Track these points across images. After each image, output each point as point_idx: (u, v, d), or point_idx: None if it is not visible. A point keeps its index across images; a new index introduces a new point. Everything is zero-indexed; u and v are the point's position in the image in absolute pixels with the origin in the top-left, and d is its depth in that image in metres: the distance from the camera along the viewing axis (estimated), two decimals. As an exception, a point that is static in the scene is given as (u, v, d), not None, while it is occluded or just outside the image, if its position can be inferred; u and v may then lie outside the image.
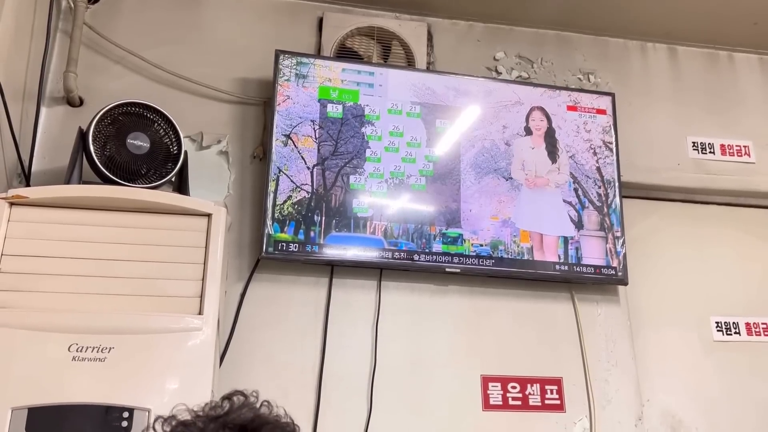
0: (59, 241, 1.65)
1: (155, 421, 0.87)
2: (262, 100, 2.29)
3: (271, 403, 0.94)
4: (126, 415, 1.53)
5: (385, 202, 2.17)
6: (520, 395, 2.14)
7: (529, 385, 2.16)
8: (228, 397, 0.91)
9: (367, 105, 2.24)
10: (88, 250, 1.66)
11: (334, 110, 2.21)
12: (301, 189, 2.11)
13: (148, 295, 1.66)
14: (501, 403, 2.12)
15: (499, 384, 2.14)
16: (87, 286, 1.63)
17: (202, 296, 1.68)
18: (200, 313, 1.66)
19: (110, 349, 1.57)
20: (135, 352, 1.58)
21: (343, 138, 2.19)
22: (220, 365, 1.91)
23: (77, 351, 1.55)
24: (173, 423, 0.85)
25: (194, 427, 0.84)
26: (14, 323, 1.55)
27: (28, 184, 1.95)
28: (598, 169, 2.38)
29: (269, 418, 0.89)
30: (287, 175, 2.11)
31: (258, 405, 0.92)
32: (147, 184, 1.82)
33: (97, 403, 1.52)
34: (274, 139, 2.13)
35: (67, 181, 1.77)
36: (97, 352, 1.56)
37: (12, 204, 1.65)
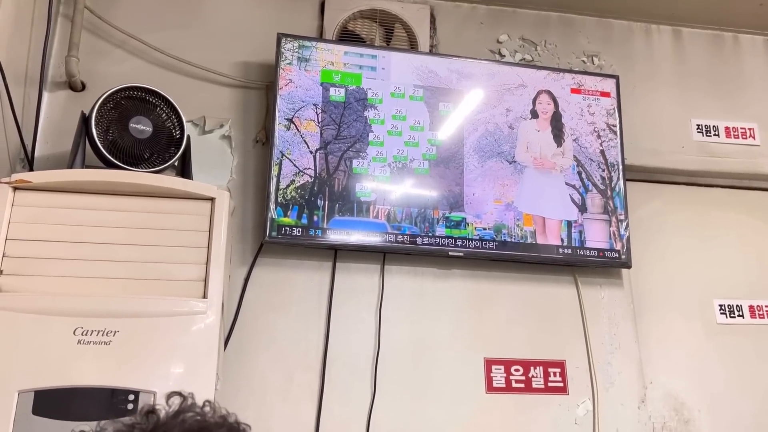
0: (63, 226, 1.66)
1: None
2: (265, 84, 2.28)
3: (213, 404, 0.89)
4: (132, 397, 1.54)
5: (388, 186, 2.16)
6: (523, 378, 2.15)
7: (532, 368, 2.17)
8: (167, 397, 0.87)
9: (370, 88, 2.23)
10: (92, 234, 1.66)
11: (337, 94, 2.20)
12: (304, 173, 2.11)
13: (152, 279, 1.66)
14: (504, 385, 2.13)
15: (502, 367, 2.15)
16: (91, 270, 1.63)
17: (206, 280, 1.69)
18: (204, 296, 1.67)
19: (115, 332, 1.58)
20: (140, 336, 1.59)
21: (346, 122, 2.19)
22: (225, 349, 1.92)
23: (82, 334, 1.56)
24: None
25: None
26: (20, 307, 1.56)
27: (31, 169, 1.95)
28: (602, 152, 2.37)
29: (205, 427, 0.84)
30: (290, 160, 2.11)
31: (196, 408, 0.87)
32: (150, 168, 1.82)
33: (103, 385, 1.53)
34: (276, 123, 2.12)
35: (70, 166, 1.77)
36: (102, 335, 1.57)
37: (15, 188, 1.65)
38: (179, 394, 0.88)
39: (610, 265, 2.29)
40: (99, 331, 1.57)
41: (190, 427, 0.83)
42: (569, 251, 2.23)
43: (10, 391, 1.49)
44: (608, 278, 2.33)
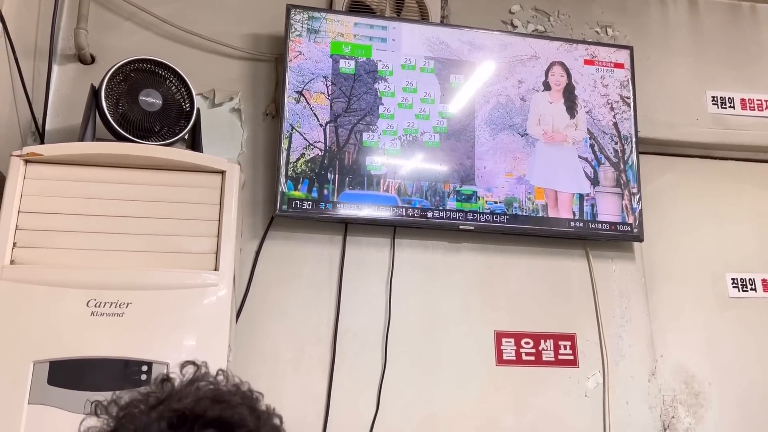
0: (75, 198, 1.66)
1: (95, 406, 0.82)
2: (274, 57, 2.26)
3: (226, 373, 0.88)
4: (145, 368, 1.55)
5: (399, 159, 2.15)
6: (533, 351, 2.16)
7: (542, 341, 2.17)
8: (181, 367, 0.87)
9: (380, 60, 2.21)
10: (104, 206, 1.67)
11: (347, 66, 2.18)
12: (314, 146, 2.10)
13: (163, 252, 1.67)
14: (514, 358, 2.14)
15: (512, 339, 2.16)
16: (103, 242, 1.64)
17: (217, 253, 1.69)
18: (216, 269, 1.67)
19: (128, 304, 1.59)
20: (152, 308, 1.60)
21: (356, 94, 2.17)
22: (237, 321, 1.94)
23: (96, 306, 1.57)
24: (116, 410, 0.81)
25: (137, 411, 0.80)
26: (34, 279, 1.57)
27: (42, 142, 1.95)
28: (615, 124, 2.34)
29: (217, 395, 0.83)
30: (300, 133, 2.10)
31: (210, 378, 0.86)
32: (160, 141, 1.81)
33: (117, 356, 1.55)
34: (286, 96, 2.11)
35: (81, 139, 1.77)
36: (115, 307, 1.58)
37: (27, 162, 1.65)
38: (193, 363, 0.89)
39: (621, 238, 2.28)
40: (112, 303, 1.58)
41: (204, 394, 0.84)
42: (581, 225, 2.22)
43: (26, 362, 1.51)
44: (620, 252, 2.32)
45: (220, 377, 0.88)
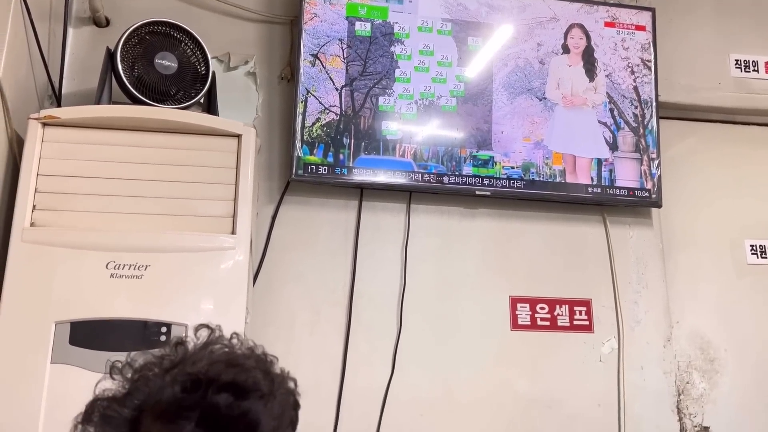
0: (92, 162, 1.67)
1: (111, 368, 0.83)
2: (289, 19, 2.23)
3: (240, 337, 0.89)
4: (164, 329, 1.58)
5: (415, 124, 2.13)
6: (548, 316, 2.16)
7: (557, 306, 2.17)
8: (195, 330, 0.88)
9: (396, 22, 2.18)
10: (121, 170, 1.67)
11: (363, 28, 2.15)
12: (330, 111, 2.09)
13: (181, 215, 1.68)
14: (529, 323, 2.14)
15: (527, 305, 2.16)
16: (121, 205, 1.65)
17: (234, 216, 1.70)
18: (233, 232, 1.68)
19: (146, 266, 1.60)
20: (171, 270, 1.62)
21: (372, 57, 2.14)
22: (254, 284, 1.95)
23: (115, 268, 1.59)
24: (130, 373, 0.82)
25: (151, 374, 0.81)
26: (54, 241, 1.59)
27: (59, 105, 1.95)
28: (636, 88, 2.30)
29: (231, 359, 0.84)
30: (315, 97, 2.08)
31: (224, 341, 0.87)
32: (176, 105, 1.81)
33: (136, 318, 1.57)
34: (301, 59, 2.09)
35: (97, 102, 1.77)
36: (134, 269, 1.60)
37: (45, 125, 1.66)
38: (207, 326, 0.89)
39: (640, 204, 2.25)
40: (131, 266, 1.60)
41: (218, 358, 0.84)
42: (599, 190, 2.20)
43: (48, 322, 1.54)
44: (637, 218, 2.30)
45: (234, 341, 0.88)
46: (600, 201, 2.23)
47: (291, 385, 0.88)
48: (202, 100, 1.91)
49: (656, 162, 2.25)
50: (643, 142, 2.26)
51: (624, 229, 2.29)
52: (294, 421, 0.88)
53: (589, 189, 2.19)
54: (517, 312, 2.15)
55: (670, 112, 2.41)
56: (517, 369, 2.10)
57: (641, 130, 2.27)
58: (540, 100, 2.23)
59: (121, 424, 0.78)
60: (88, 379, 0.83)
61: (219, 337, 0.88)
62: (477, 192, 2.14)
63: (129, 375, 0.83)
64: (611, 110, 2.27)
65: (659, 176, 2.24)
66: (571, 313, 2.17)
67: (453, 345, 2.09)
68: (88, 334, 1.55)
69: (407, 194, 2.17)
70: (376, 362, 2.04)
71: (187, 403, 0.77)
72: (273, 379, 0.85)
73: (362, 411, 1.98)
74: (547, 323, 2.15)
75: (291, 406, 0.87)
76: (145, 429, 0.77)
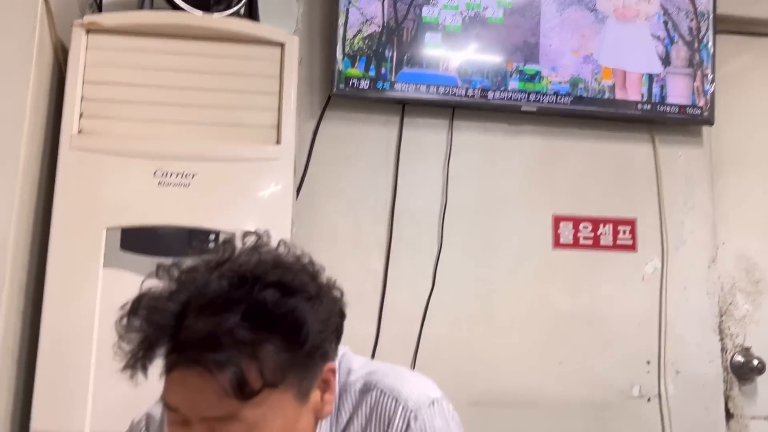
0: (137, 70, 1.65)
1: (158, 267, 0.83)
2: (330, -74, 2.14)
3: (288, 244, 0.88)
4: (212, 237, 1.59)
5: (460, 36, 2.06)
6: (591, 235, 2.14)
7: (601, 225, 2.14)
8: (243, 236, 0.87)
9: (442, -72, 2.07)
10: (166, 78, 1.66)
11: (407, -66, 2.06)
12: (372, 22, 2.03)
13: (225, 125, 1.67)
14: (571, 242, 2.12)
15: (570, 223, 2.14)
16: (166, 114, 1.65)
17: (278, 126, 1.69)
18: (278, 142, 1.68)
19: (193, 175, 1.61)
20: (217, 179, 1.62)
21: (416, -34, 2.06)
22: (297, 198, 1.96)
23: (162, 176, 1.60)
24: (176, 271, 0.82)
25: (197, 273, 0.81)
26: (102, 149, 1.60)
27: (100, 12, 1.92)
28: (692, 0, 2.18)
29: (279, 261, 0.83)
30: (357, 8, 2.02)
31: (271, 246, 0.86)
32: (218, 12, 1.77)
33: (185, 225, 1.59)
34: (343, -33, 2.01)
35: (140, 8, 1.74)
36: (181, 177, 1.61)
37: (88, 31, 1.64)
38: (254, 232, 0.88)
39: (691, 122, 2.18)
40: (178, 174, 1.60)
41: (266, 258, 0.84)
42: (648, 107, 2.13)
43: (99, 228, 1.57)
44: (687, 136, 2.23)
45: (282, 248, 0.88)
46: (650, 118, 2.15)
47: (337, 293, 0.88)
48: (242, 10, 1.86)
49: (710, 78, 2.16)
50: (697, 57, 2.17)
51: (673, 148, 2.22)
52: (339, 330, 0.88)
53: (639, 106, 2.12)
54: (559, 230, 2.13)
55: (727, 25, 2.29)
56: (558, 287, 2.10)
57: (696, 45, 2.17)
58: (591, 12, 2.13)
59: (166, 317, 0.78)
60: (139, 283, 0.83)
61: (266, 243, 0.87)
62: (523, 108, 2.08)
63: (176, 275, 0.83)
64: (665, 23, 2.16)
65: (712, 93, 2.16)
66: (615, 232, 2.14)
67: (493, 262, 2.09)
68: (138, 240, 1.57)
69: (450, 110, 2.13)
70: (417, 278, 2.05)
71: (233, 297, 0.77)
72: (320, 285, 0.85)
73: (402, 324, 2.01)
74: (590, 242, 2.13)
75: (337, 313, 0.87)
76: (190, 322, 0.77)
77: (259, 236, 0.88)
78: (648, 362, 2.10)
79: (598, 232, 2.14)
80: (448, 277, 2.06)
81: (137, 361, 0.80)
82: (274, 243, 0.88)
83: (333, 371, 0.88)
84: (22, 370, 1.58)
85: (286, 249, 0.88)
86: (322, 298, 0.84)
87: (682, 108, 2.14)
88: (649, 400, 2.08)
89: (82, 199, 1.57)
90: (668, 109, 2.13)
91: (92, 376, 1.51)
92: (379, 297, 2.02)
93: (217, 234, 1.60)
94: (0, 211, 1.49)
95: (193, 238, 1.59)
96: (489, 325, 2.05)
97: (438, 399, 0.92)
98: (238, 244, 0.87)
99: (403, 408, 0.89)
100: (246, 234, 0.88)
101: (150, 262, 1.54)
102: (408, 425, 0.88)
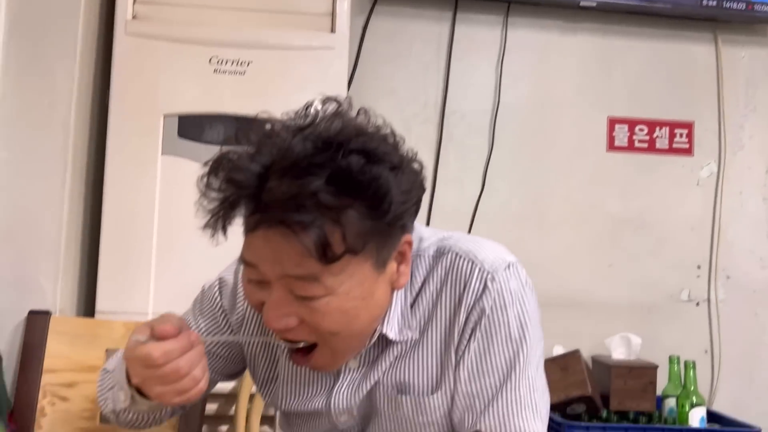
0: (190, -47, 1.61)
1: (237, 130, 0.80)
2: None
3: (368, 113, 0.83)
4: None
5: (518, -75, 1.96)
6: (647, 138, 2.08)
7: (657, 128, 2.09)
8: (323, 102, 0.82)
9: None
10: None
11: None
12: None
13: (280, 12, 1.63)
14: (626, 144, 2.08)
15: (626, 126, 2.08)
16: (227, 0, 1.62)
17: (333, 14, 1.65)
18: (333, 31, 1.64)
19: (249, 63, 1.59)
20: (272, 67, 1.60)
21: None
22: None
23: (218, 63, 1.58)
24: (257, 133, 0.79)
25: (278, 138, 0.76)
26: (156, 35, 1.58)
27: None
28: None
29: (361, 129, 0.79)
30: None
31: (352, 113, 0.82)
32: None
33: (242, 114, 1.57)
34: None
35: None
36: (237, 65, 1.59)
37: None
38: (335, 99, 0.83)
39: (757, 20, 2.08)
40: (233, 61, 1.59)
41: (348, 126, 0.81)
42: (713, 3, 2.02)
43: (157, 115, 1.57)
44: (752, 36, 2.13)
45: (362, 116, 0.85)
46: (714, 16, 2.05)
47: (417, 166, 0.85)
48: None
49: (782, -27, 2.04)
50: (770, -50, 2.04)
51: (736, 48, 2.13)
52: (419, 203, 0.85)
53: (703, 2, 2.02)
54: (614, 133, 2.08)
55: None
56: (610, 190, 2.07)
57: (769, -64, 2.04)
58: None
59: (248, 178, 0.75)
60: (197, 171, 0.80)
61: (347, 110, 0.85)
62: (581, 3, 2.00)
63: (257, 138, 0.80)
64: None
65: (783, -11, 2.04)
66: (671, 135, 2.09)
67: (545, 164, 2.06)
68: (195, 128, 1.57)
69: (505, 5, 2.05)
70: (466, 179, 2.04)
71: (317, 160, 0.75)
72: (402, 156, 0.82)
73: (451, 224, 2.00)
74: (645, 145, 2.08)
75: (418, 186, 0.84)
76: (272, 184, 0.75)
77: (339, 103, 0.85)
78: (699, 267, 2.08)
79: (654, 135, 2.09)
80: (498, 179, 2.04)
81: (218, 220, 0.79)
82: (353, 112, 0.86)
83: (410, 244, 0.87)
84: (86, 254, 1.62)
85: (366, 118, 0.85)
86: (404, 168, 0.81)
87: (749, 4, 2.03)
88: (698, 304, 2.08)
89: (139, 86, 1.57)
90: (733, 5, 2.03)
91: (154, 259, 1.54)
92: (428, 197, 2.01)
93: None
94: (60, 93, 1.50)
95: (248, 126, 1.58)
96: (539, 228, 2.04)
97: (514, 263, 0.91)
98: (319, 108, 0.84)
99: (480, 270, 0.88)
100: (326, 99, 0.86)
101: (208, 150, 1.55)
102: (485, 286, 0.87)
